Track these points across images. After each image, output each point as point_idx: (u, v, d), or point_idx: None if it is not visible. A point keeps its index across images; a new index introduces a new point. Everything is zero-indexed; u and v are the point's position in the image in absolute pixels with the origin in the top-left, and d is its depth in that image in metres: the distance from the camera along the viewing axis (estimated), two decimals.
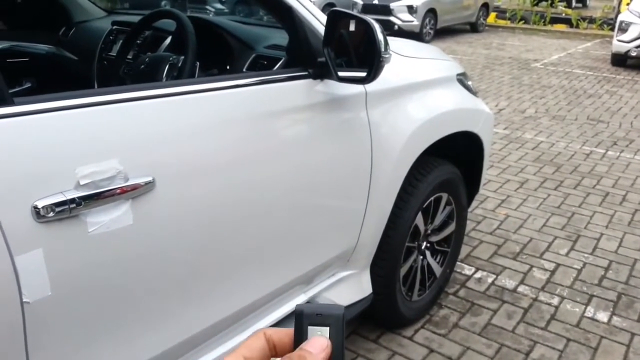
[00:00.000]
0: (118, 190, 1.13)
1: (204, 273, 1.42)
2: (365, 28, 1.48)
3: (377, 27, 1.47)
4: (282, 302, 1.73)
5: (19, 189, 1.01)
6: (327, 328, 0.45)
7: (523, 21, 14.26)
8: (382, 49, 1.46)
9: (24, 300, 1.02)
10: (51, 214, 1.03)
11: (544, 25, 14.04)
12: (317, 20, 1.60)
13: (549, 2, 16.10)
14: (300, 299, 1.81)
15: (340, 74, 1.52)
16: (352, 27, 1.49)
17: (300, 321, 0.45)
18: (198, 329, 1.43)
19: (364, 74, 1.51)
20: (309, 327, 0.45)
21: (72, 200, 1.05)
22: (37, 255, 1.02)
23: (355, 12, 1.61)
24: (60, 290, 1.07)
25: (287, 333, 0.45)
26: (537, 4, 16.28)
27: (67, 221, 1.06)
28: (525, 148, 4.85)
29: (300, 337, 0.45)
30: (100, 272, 1.16)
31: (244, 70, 1.88)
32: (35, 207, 1.01)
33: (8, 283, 1.00)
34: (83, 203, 1.07)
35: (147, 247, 1.24)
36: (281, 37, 1.86)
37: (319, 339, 0.44)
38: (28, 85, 2.57)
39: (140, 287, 1.26)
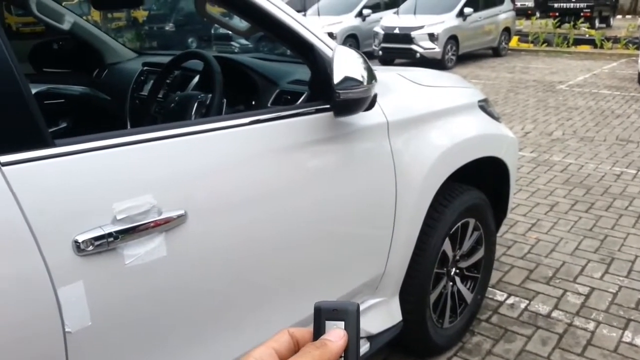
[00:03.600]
0: (152, 224, 1.18)
1: (234, 303, 1.46)
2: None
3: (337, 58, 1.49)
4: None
5: (60, 225, 1.07)
6: (343, 322, 0.51)
7: (546, 44, 14.22)
8: (335, 82, 1.47)
9: (66, 330, 1.07)
10: (90, 247, 1.08)
11: (568, 47, 13.96)
12: None
13: (572, 23, 16.05)
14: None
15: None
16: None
17: (319, 316, 0.51)
18: (229, 358, 1.46)
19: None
20: (327, 322, 0.51)
21: (110, 234, 1.11)
22: (78, 287, 1.08)
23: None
24: (100, 320, 1.12)
25: (308, 331, 0.51)
26: (559, 26, 16.24)
27: (106, 254, 1.12)
28: (553, 171, 4.81)
29: (318, 331, 0.51)
30: (136, 302, 1.21)
31: (269, 105, 1.94)
32: (76, 242, 1.07)
33: (51, 314, 1.05)
34: (120, 237, 1.12)
35: (180, 278, 1.28)
36: (303, 73, 1.93)
37: (337, 330, 0.50)
38: (64, 125, 2.69)
39: (172, 317, 1.31)
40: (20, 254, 1.02)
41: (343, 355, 0.50)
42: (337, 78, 1.46)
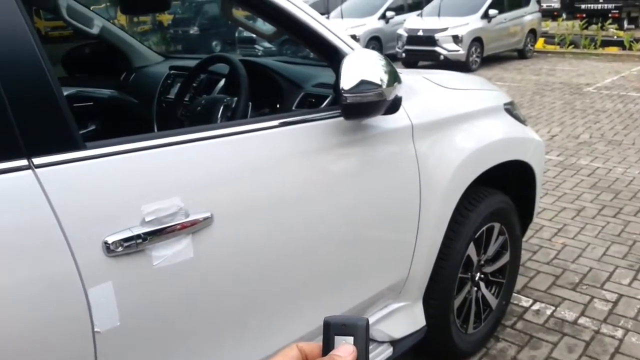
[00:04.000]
0: (179, 226, 1.20)
1: (259, 306, 1.47)
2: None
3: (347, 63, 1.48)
4: None
5: (91, 226, 1.09)
6: (352, 337, 0.51)
7: (573, 45, 14.00)
8: (343, 87, 1.46)
9: (96, 330, 1.09)
10: (120, 248, 1.10)
11: (595, 48, 13.72)
12: None
13: (599, 25, 15.76)
14: None
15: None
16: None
17: (328, 331, 0.51)
18: (254, 359, 1.47)
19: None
20: (335, 337, 0.51)
21: (139, 236, 1.13)
22: (108, 287, 1.10)
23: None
24: (128, 320, 1.14)
25: (317, 345, 0.51)
26: (586, 28, 15.96)
27: (134, 255, 1.14)
28: (580, 175, 4.73)
29: (327, 345, 0.51)
30: (162, 303, 1.22)
31: (294, 108, 1.95)
32: (106, 243, 1.09)
33: (81, 314, 1.07)
34: (148, 238, 1.14)
35: (206, 280, 1.30)
36: (328, 76, 1.93)
37: (346, 346, 0.50)
38: (92, 128, 2.74)
39: (199, 318, 1.32)
40: (52, 254, 1.04)
41: None
42: (349, 81, 1.45)
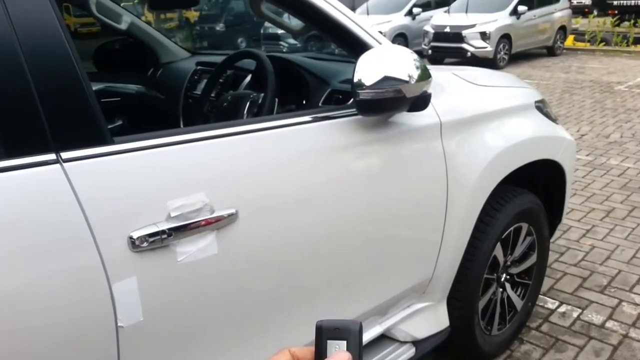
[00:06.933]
0: (204, 222, 1.20)
1: (281, 303, 1.46)
2: None
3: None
4: None
5: (117, 221, 1.09)
6: (345, 342, 0.49)
7: (604, 43, 13.69)
8: (355, 81, 1.43)
9: (119, 324, 1.10)
10: (145, 244, 1.10)
11: (627, 46, 13.39)
12: None
13: (632, 21, 15.37)
14: (375, 330, 1.81)
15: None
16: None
17: (320, 335, 0.49)
18: None
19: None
20: (328, 341, 0.49)
21: (164, 232, 1.13)
22: (132, 282, 1.10)
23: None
24: (150, 315, 1.14)
25: (309, 350, 0.49)
26: (618, 25, 15.58)
27: (159, 251, 1.14)
28: (610, 175, 4.62)
29: (320, 350, 0.49)
30: (186, 298, 1.22)
31: (320, 104, 1.94)
32: (131, 238, 1.09)
33: (105, 309, 1.08)
34: (173, 234, 1.14)
35: (229, 276, 1.29)
36: None
37: (340, 353, 0.48)
38: (119, 123, 2.77)
39: (221, 314, 1.32)
40: (78, 249, 1.05)
41: None
42: (365, 76, 1.42)
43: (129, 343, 1.13)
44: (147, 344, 1.18)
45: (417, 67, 1.47)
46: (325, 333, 0.49)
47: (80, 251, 1.05)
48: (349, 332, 0.49)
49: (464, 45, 11.20)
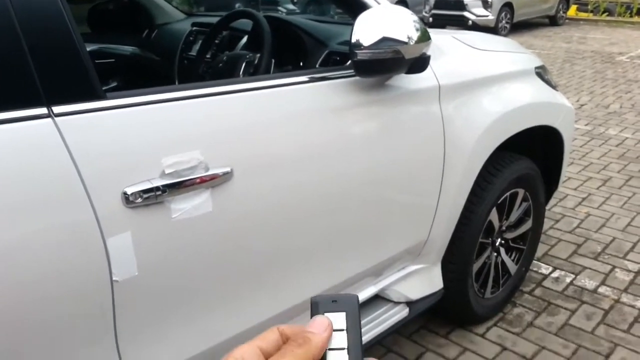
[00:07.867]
0: (198, 180, 1.19)
1: (276, 261, 1.47)
2: None
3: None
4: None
5: (110, 176, 1.09)
6: (344, 313, 0.46)
7: (607, 13, 13.50)
8: (353, 42, 1.40)
9: (114, 279, 1.10)
10: (139, 200, 1.10)
11: (631, 16, 13.22)
12: None
13: None
14: (369, 290, 1.83)
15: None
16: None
17: (317, 311, 0.46)
18: (269, 315, 1.47)
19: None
20: (326, 314, 0.46)
21: (158, 188, 1.12)
22: (126, 237, 1.10)
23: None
24: (145, 270, 1.15)
25: (300, 327, 0.46)
26: None
27: (153, 207, 1.13)
28: (608, 145, 4.61)
29: None
30: (180, 255, 1.23)
31: (317, 66, 1.91)
32: (125, 194, 1.09)
33: (100, 263, 1.08)
34: (167, 190, 1.14)
35: (224, 234, 1.29)
36: None
37: (320, 319, 0.45)
38: (114, 84, 2.73)
39: (216, 272, 1.32)
40: (72, 204, 1.04)
41: (347, 346, 0.45)
42: (364, 36, 1.40)
43: (124, 297, 1.13)
44: (141, 299, 1.18)
45: (417, 29, 1.45)
46: (322, 307, 0.46)
47: (74, 206, 1.04)
48: (347, 304, 0.47)
49: (465, 13, 11.05)
